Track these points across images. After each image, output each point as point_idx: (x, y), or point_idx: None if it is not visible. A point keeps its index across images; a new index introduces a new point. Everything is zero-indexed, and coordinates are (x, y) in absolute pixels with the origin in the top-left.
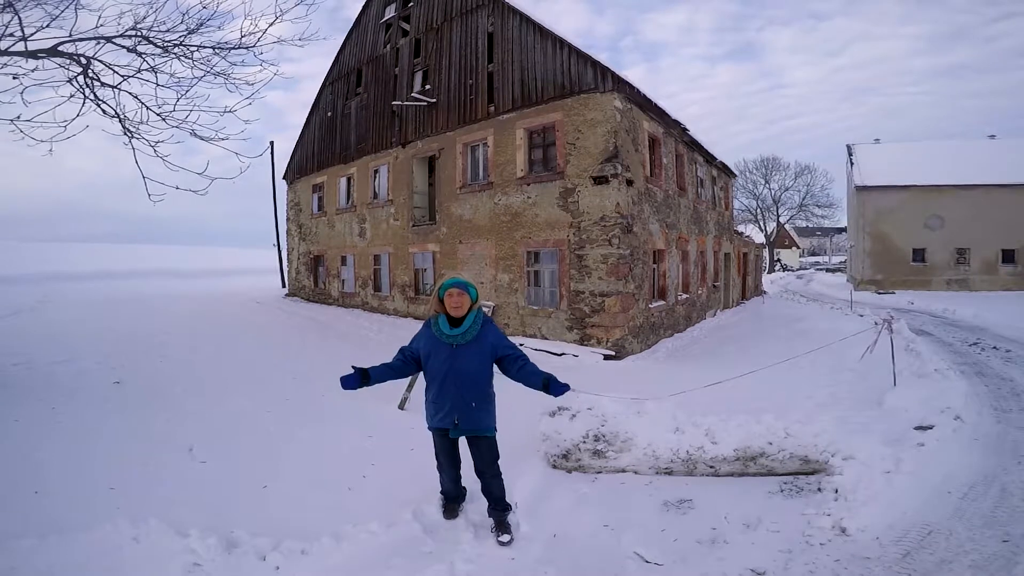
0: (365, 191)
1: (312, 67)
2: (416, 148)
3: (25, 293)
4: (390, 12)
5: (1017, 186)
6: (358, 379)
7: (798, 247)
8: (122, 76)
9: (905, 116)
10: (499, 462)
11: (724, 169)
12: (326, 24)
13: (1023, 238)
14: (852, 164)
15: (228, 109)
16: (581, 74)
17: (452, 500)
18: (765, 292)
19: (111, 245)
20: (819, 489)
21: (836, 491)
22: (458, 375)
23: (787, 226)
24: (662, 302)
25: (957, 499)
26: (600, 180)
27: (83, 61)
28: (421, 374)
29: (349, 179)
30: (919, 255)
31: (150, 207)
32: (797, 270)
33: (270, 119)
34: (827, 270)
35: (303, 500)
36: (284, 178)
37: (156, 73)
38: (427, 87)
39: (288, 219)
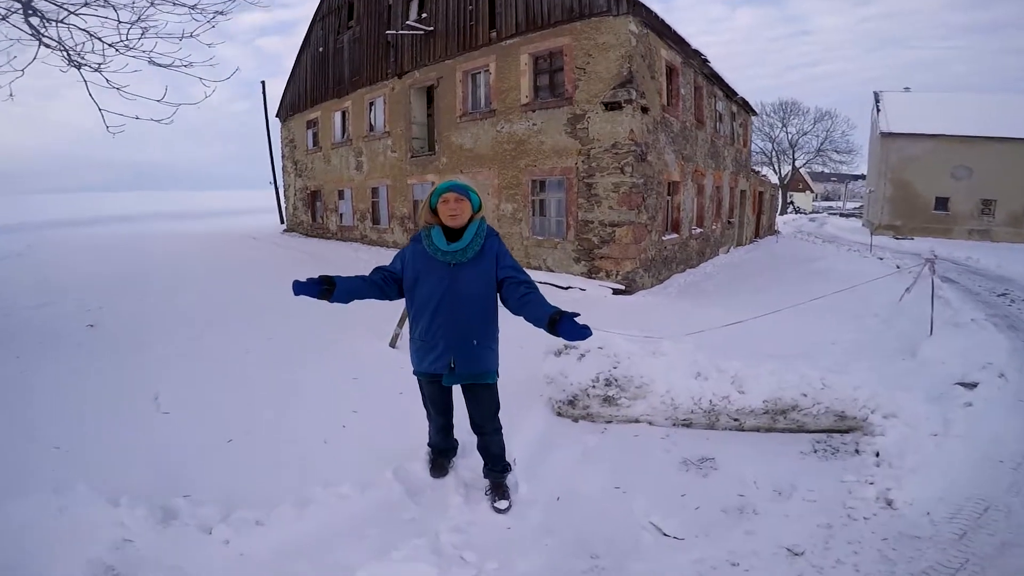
0: (361, 124)
1: (307, 10)
2: (413, 78)
3: (14, 240)
4: None
5: None
6: (317, 287)
7: (812, 191)
8: (67, 11)
9: (935, 70)
10: (499, 413)
11: (744, 106)
12: None
13: None
14: (879, 111)
15: (188, 34)
16: None
17: (441, 454)
18: (778, 232)
19: (107, 193)
20: (857, 451)
21: (877, 454)
22: (457, 302)
23: (802, 170)
24: (675, 235)
25: (1010, 470)
26: (612, 106)
27: None
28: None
29: (344, 113)
30: (942, 204)
31: (146, 154)
32: (810, 213)
33: (266, 64)
34: (841, 215)
35: (271, 456)
36: (277, 116)
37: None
38: (423, 15)
39: (283, 156)
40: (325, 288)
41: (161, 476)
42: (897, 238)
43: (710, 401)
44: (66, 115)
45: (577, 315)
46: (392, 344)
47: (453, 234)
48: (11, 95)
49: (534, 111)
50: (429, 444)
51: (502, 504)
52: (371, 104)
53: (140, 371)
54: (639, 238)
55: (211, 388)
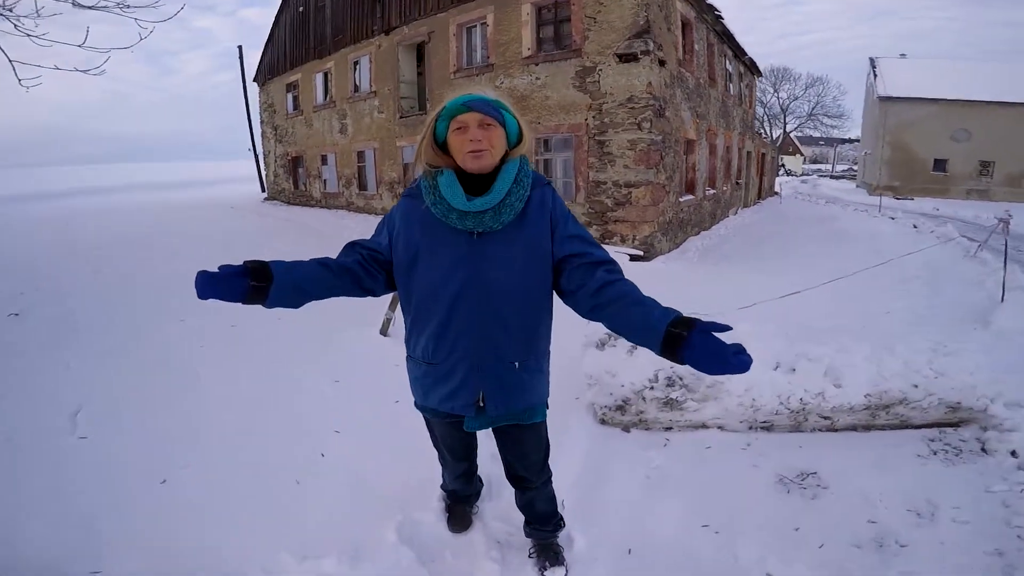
0: (345, 85)
1: None
2: (402, 34)
3: None
4: None
5: None
6: (239, 283)
7: (801, 154)
8: None
9: (927, 39)
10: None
11: (751, 67)
12: None
13: None
14: (875, 75)
15: None
16: None
17: (462, 500)
18: (778, 193)
19: (89, 166)
20: (984, 450)
21: (1014, 454)
22: (486, 299)
23: (792, 135)
24: (691, 196)
25: None
26: (628, 57)
27: None
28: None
29: (326, 74)
30: (940, 165)
31: (132, 127)
32: (800, 175)
33: (251, 35)
34: (831, 176)
35: (219, 507)
36: (255, 81)
37: None
38: None
39: (262, 122)
40: (253, 285)
41: (60, 540)
42: (897, 198)
43: (800, 399)
44: (47, 88)
45: (724, 327)
46: (383, 331)
47: (476, 183)
48: None
49: (537, 64)
50: (443, 488)
51: (557, 573)
52: (355, 64)
53: (64, 375)
54: (657, 199)
55: (150, 399)
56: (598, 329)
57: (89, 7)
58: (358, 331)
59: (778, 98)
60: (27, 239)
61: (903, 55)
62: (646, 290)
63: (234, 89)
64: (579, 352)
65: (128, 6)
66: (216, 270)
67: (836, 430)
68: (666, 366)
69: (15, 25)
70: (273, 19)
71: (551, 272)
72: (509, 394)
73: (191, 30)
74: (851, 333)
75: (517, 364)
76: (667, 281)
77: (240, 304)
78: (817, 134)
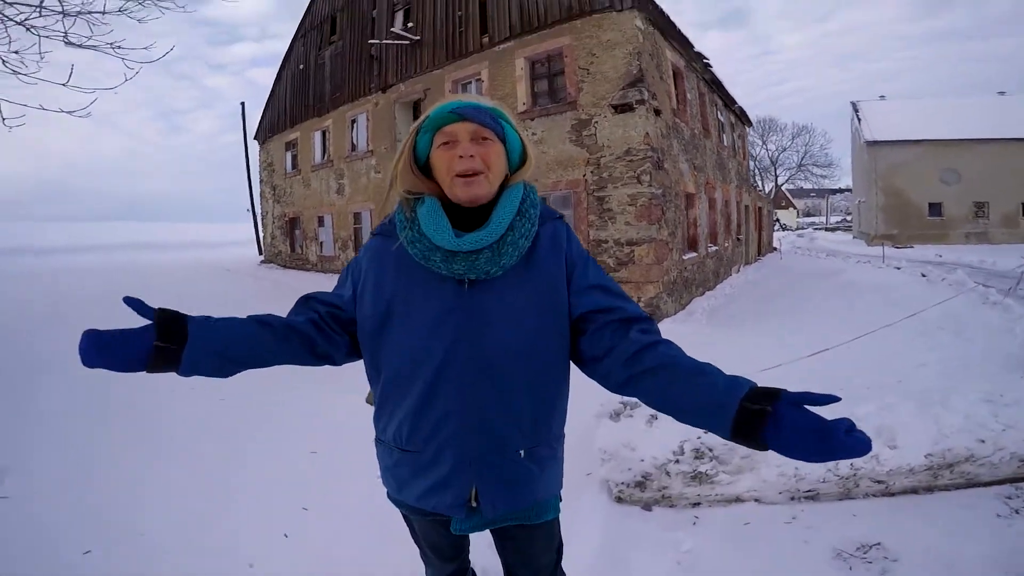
0: (342, 144)
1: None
2: (398, 92)
3: None
4: None
5: None
6: (140, 343)
7: (795, 208)
8: None
9: (896, 80)
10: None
11: (741, 116)
12: None
13: None
14: (859, 120)
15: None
16: None
17: None
18: (777, 249)
19: (96, 223)
20: None
21: None
22: (481, 367)
23: (784, 188)
24: (694, 254)
25: None
26: (623, 108)
27: None
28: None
29: (324, 132)
30: (936, 209)
31: (140, 185)
32: (796, 230)
33: (259, 95)
34: (826, 229)
35: None
36: (256, 138)
37: None
38: (410, 25)
39: (261, 181)
40: (159, 347)
41: None
42: (897, 247)
43: (851, 464)
44: (61, 143)
45: (826, 399)
46: (370, 400)
47: (467, 217)
48: None
49: (533, 119)
50: None
51: None
52: (353, 122)
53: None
54: (661, 257)
55: (90, 461)
56: (611, 398)
57: (79, 46)
58: (342, 398)
59: (767, 150)
60: None
61: (882, 97)
62: None
63: (238, 151)
64: (591, 424)
65: (120, 46)
66: (108, 331)
67: (892, 494)
68: (693, 436)
69: (3, 61)
70: (275, 76)
71: (568, 331)
72: (512, 490)
73: (201, 88)
74: (889, 390)
75: (523, 453)
76: (678, 344)
77: (143, 373)
78: (808, 185)
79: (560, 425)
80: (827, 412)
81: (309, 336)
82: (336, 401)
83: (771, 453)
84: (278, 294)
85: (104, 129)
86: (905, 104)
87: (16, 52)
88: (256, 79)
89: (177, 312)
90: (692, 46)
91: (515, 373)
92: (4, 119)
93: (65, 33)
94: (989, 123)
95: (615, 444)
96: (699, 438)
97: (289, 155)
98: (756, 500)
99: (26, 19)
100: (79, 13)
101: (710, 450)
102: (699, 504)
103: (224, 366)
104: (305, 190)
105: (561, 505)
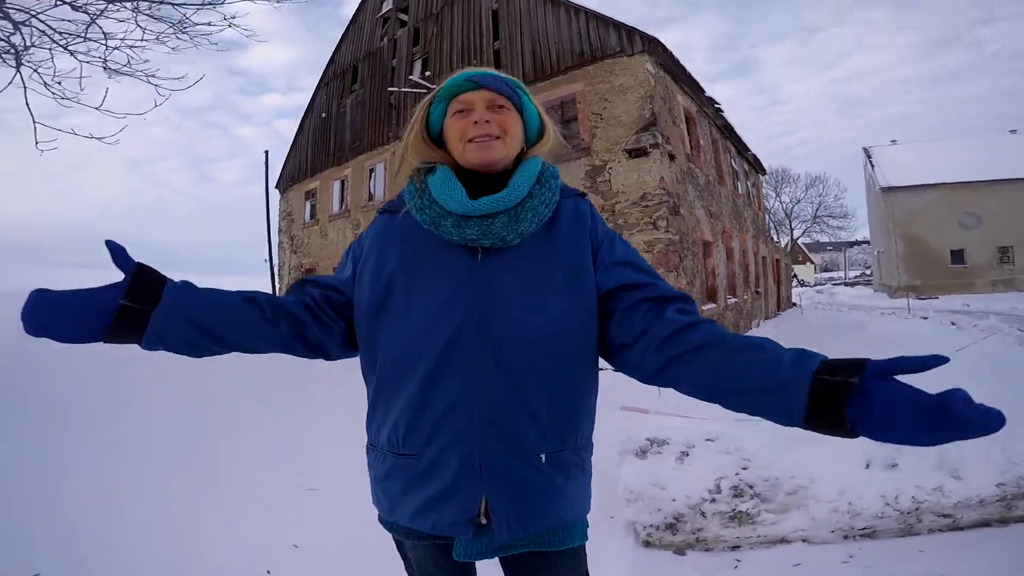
0: (360, 193)
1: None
2: None
3: None
4: (388, 5)
5: None
6: (104, 303)
7: (812, 262)
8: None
9: (903, 125)
10: None
11: (755, 163)
12: (324, 23)
13: None
14: (872, 166)
15: (158, 36)
16: (603, 38)
17: None
18: (796, 304)
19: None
20: None
21: None
22: (495, 350)
23: (800, 241)
24: (713, 305)
25: None
26: (637, 152)
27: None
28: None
29: (343, 182)
30: (958, 256)
31: (164, 235)
32: (814, 285)
33: (283, 147)
34: (845, 284)
35: None
36: (276, 187)
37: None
38: (427, 74)
39: (280, 231)
40: (125, 306)
41: None
42: (921, 298)
43: (912, 497)
44: (93, 188)
45: (926, 362)
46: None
47: (481, 187)
48: None
49: None
50: None
51: None
52: (371, 171)
53: None
54: None
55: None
56: (636, 434)
57: (118, 71)
58: (340, 440)
59: (781, 202)
60: None
61: (894, 141)
62: (671, 402)
63: (258, 202)
64: (613, 461)
65: (154, 75)
66: (67, 290)
67: (960, 528)
68: (731, 473)
69: (45, 84)
70: (298, 125)
71: (596, 316)
72: (530, 505)
73: (231, 137)
74: None
75: (544, 457)
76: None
77: (100, 343)
78: (824, 238)
79: (588, 430)
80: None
81: (300, 320)
82: (342, 436)
83: (821, 486)
84: None
85: (138, 177)
86: (918, 148)
87: (58, 82)
88: (280, 130)
89: (156, 271)
90: (703, 91)
91: (535, 361)
92: (37, 142)
93: (104, 59)
94: (1006, 163)
95: (642, 483)
96: (737, 475)
97: (308, 204)
98: (804, 540)
99: (69, 44)
100: (122, 39)
101: (751, 487)
102: (738, 547)
103: (196, 340)
104: (322, 240)
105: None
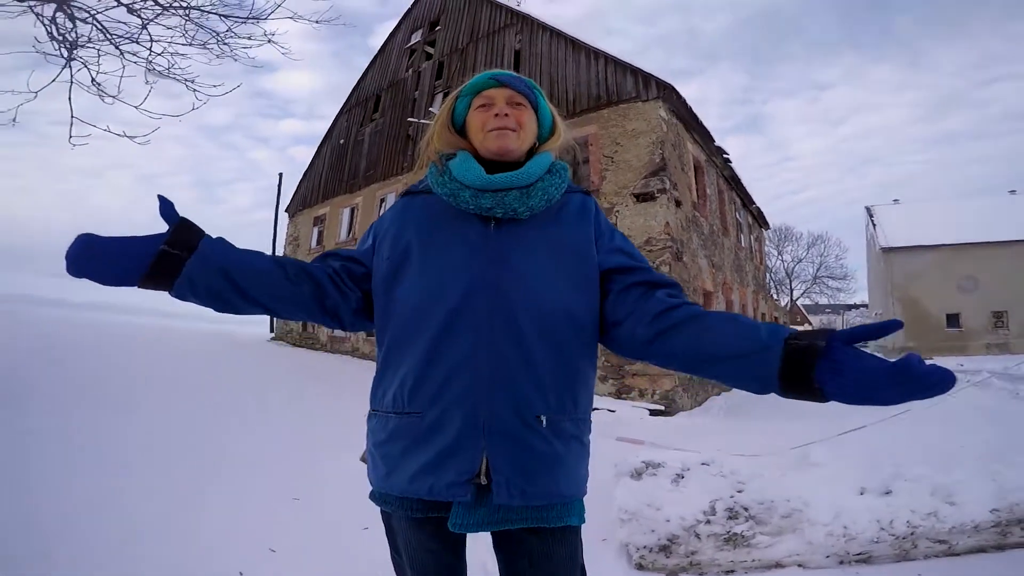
0: (369, 222)
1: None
2: None
3: None
4: (416, 38)
5: None
6: (146, 249)
7: (809, 324)
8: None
9: (908, 185)
10: None
11: (759, 218)
12: (351, 51)
13: None
14: (874, 226)
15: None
16: (620, 83)
17: None
18: None
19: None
20: None
21: None
22: (503, 313)
23: (799, 303)
24: None
25: None
26: (645, 197)
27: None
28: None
29: (353, 210)
30: (954, 320)
31: None
32: None
33: (293, 172)
34: None
35: None
36: (287, 211)
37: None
38: None
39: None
40: (165, 251)
41: None
42: None
43: (907, 522)
44: (106, 199)
45: (880, 329)
46: (363, 459)
47: (497, 168)
48: (14, 120)
49: None
50: None
51: None
52: (382, 200)
53: None
54: None
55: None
56: (629, 457)
57: (161, 73)
58: (334, 452)
59: (782, 261)
60: None
61: (896, 201)
62: (669, 439)
63: (265, 228)
64: (607, 483)
65: (193, 81)
66: (110, 236)
67: (956, 554)
68: (725, 495)
69: (92, 79)
70: (315, 150)
71: (598, 297)
72: (530, 469)
73: (245, 160)
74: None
75: (544, 421)
76: (695, 434)
77: (135, 287)
78: (824, 300)
79: (586, 403)
80: None
81: (321, 284)
82: (326, 455)
83: (816, 510)
84: (285, 364)
85: (143, 188)
86: (919, 208)
87: (96, 81)
88: (295, 156)
89: (197, 226)
90: (713, 140)
91: (541, 328)
92: (71, 136)
93: (149, 62)
94: (1004, 225)
95: (637, 504)
96: (732, 497)
97: (316, 231)
98: (799, 565)
99: (121, 44)
100: (169, 43)
101: (746, 509)
102: (733, 572)
103: (223, 293)
104: None
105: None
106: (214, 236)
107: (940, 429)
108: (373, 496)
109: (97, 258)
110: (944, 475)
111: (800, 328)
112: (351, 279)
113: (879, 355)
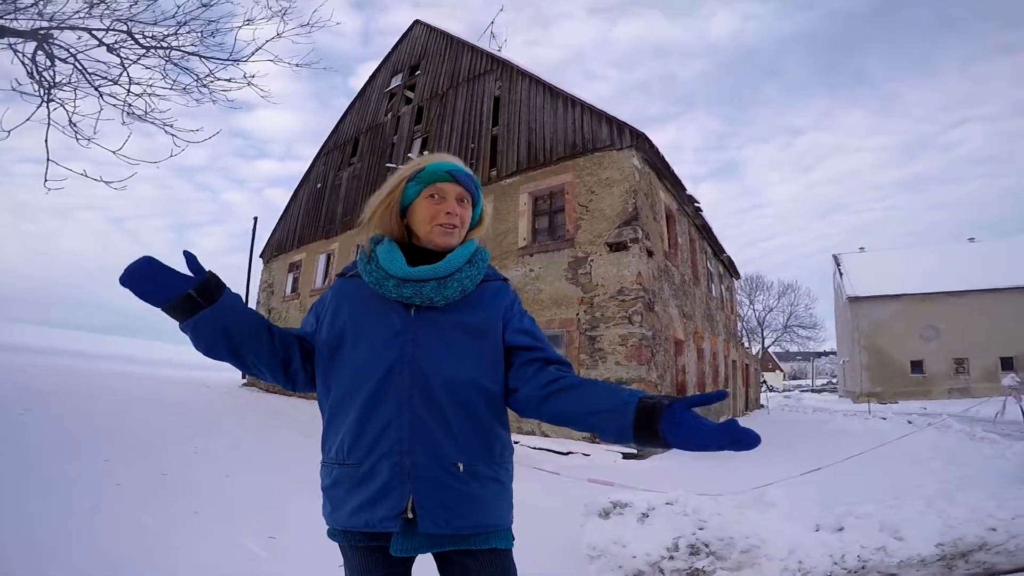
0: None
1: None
2: None
3: None
4: (396, 81)
5: (1009, 290)
6: (177, 288)
7: (781, 370)
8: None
9: (874, 232)
10: None
11: (730, 266)
12: (331, 93)
13: (1021, 345)
14: (840, 275)
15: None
16: (595, 131)
17: None
18: (764, 406)
19: (83, 333)
20: None
21: None
22: (420, 384)
23: (770, 350)
24: None
25: None
26: (618, 246)
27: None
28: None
29: (329, 256)
30: (918, 367)
31: (134, 298)
32: (782, 391)
33: (268, 215)
34: (812, 390)
35: None
36: (261, 256)
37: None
38: (425, 153)
39: (258, 303)
40: (191, 295)
41: None
42: (882, 403)
43: (858, 556)
44: (72, 244)
45: (716, 395)
46: None
47: (422, 260)
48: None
49: (532, 255)
50: None
51: None
52: (359, 247)
53: None
54: None
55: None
56: (599, 497)
57: (140, 117)
58: (308, 492)
59: (754, 310)
60: None
61: (862, 248)
62: (641, 481)
63: (237, 273)
64: (577, 523)
65: (171, 125)
66: (165, 265)
67: None
68: (688, 532)
69: (70, 121)
70: (292, 193)
71: (503, 365)
72: (450, 506)
73: (219, 203)
74: (884, 502)
75: (461, 467)
76: (664, 476)
77: (155, 307)
78: (794, 348)
79: (501, 452)
80: None
81: (291, 354)
82: (300, 492)
83: (772, 546)
84: (256, 408)
85: (117, 233)
86: (883, 256)
87: (73, 121)
88: (271, 199)
89: (221, 281)
90: (684, 188)
91: (450, 394)
92: (46, 180)
93: (127, 104)
94: (963, 274)
95: (605, 541)
96: (694, 534)
97: (291, 277)
98: None
99: (100, 86)
100: (149, 86)
101: (707, 545)
102: None
103: (216, 344)
104: (300, 315)
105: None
106: (230, 289)
107: (898, 469)
108: (328, 532)
109: (144, 279)
110: (893, 512)
111: (651, 393)
112: (302, 350)
113: (710, 419)
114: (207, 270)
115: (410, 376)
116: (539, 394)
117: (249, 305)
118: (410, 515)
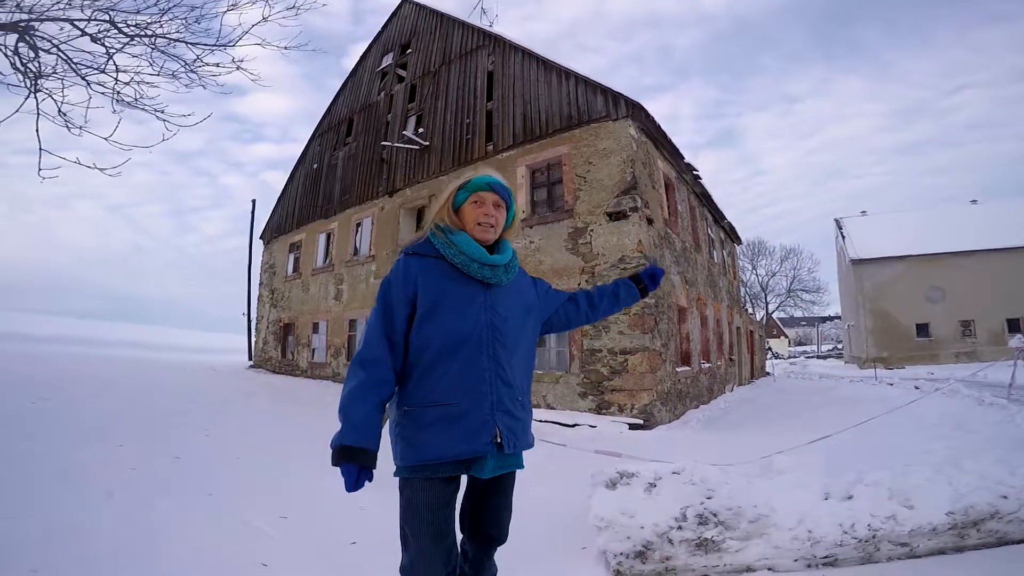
0: (345, 247)
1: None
2: (404, 197)
3: None
4: (387, 60)
5: (1015, 250)
6: (366, 477)
7: (786, 336)
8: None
9: (872, 198)
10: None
11: (731, 232)
12: (324, 74)
13: None
14: (844, 238)
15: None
16: (590, 102)
17: None
18: (770, 373)
19: (89, 320)
20: None
21: None
22: (499, 339)
23: (775, 316)
24: (687, 368)
25: None
26: (617, 215)
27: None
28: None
29: (329, 235)
30: (923, 330)
31: (140, 286)
32: (787, 358)
33: (267, 197)
34: (818, 356)
35: None
36: (261, 238)
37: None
38: (420, 131)
39: (261, 284)
40: (366, 472)
41: None
42: (889, 368)
43: (868, 525)
44: (71, 233)
45: (657, 269)
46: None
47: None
48: None
49: (532, 227)
50: None
51: None
52: (358, 225)
53: None
54: (655, 366)
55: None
56: (605, 468)
57: (129, 103)
58: (318, 472)
59: (757, 275)
60: None
61: (864, 212)
62: (648, 451)
63: (240, 256)
64: (584, 494)
65: (163, 111)
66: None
67: (917, 556)
68: (696, 502)
69: (59, 110)
70: (288, 175)
71: (539, 329)
72: (520, 432)
73: (217, 187)
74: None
75: (520, 399)
76: (672, 446)
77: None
78: (799, 313)
79: (530, 389)
80: None
81: (391, 381)
82: (314, 472)
83: (782, 515)
84: (264, 392)
85: (117, 222)
86: (886, 219)
87: (63, 111)
88: (268, 181)
89: (373, 454)
90: (682, 157)
91: (516, 346)
92: (40, 169)
93: (115, 92)
94: (968, 234)
95: (612, 512)
96: (702, 504)
97: (292, 257)
98: (769, 569)
99: (87, 75)
100: (136, 74)
101: (715, 515)
102: None
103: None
104: (303, 295)
105: (533, 557)
106: (372, 445)
107: (906, 436)
108: (407, 469)
109: (359, 478)
110: (903, 479)
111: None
112: (400, 351)
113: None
114: (356, 453)
115: (492, 335)
116: (586, 310)
117: (254, 292)
118: (499, 440)
